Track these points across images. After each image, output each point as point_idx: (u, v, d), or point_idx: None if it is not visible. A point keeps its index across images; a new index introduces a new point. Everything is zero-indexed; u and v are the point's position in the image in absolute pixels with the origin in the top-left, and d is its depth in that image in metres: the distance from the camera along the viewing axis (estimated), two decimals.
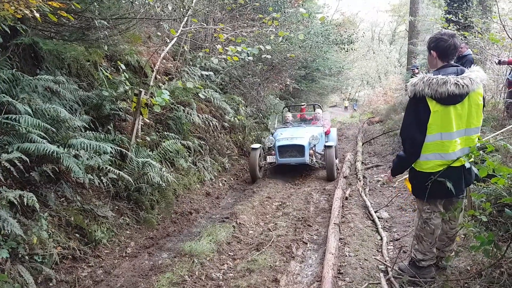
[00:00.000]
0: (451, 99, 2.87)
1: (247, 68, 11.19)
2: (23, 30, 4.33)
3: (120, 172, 4.88)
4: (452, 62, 3.09)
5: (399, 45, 40.55)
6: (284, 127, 9.21)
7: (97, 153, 4.67)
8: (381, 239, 4.56)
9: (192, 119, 7.50)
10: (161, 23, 8.15)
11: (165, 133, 6.81)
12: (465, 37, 8.30)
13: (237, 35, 7.58)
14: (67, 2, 4.39)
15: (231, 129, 9.92)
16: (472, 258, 3.49)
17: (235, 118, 9.47)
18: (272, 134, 8.94)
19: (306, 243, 4.65)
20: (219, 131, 9.14)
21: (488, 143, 3.12)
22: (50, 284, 3.63)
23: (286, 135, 8.29)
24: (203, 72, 8.25)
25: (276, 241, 4.64)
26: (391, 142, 10.68)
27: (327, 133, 9.30)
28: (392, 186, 6.93)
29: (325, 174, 8.03)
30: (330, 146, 7.79)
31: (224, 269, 4.06)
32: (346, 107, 40.91)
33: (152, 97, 5.79)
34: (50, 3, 3.88)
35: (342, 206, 5.82)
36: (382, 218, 5.36)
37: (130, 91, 5.96)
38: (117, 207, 5.12)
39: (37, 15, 3.68)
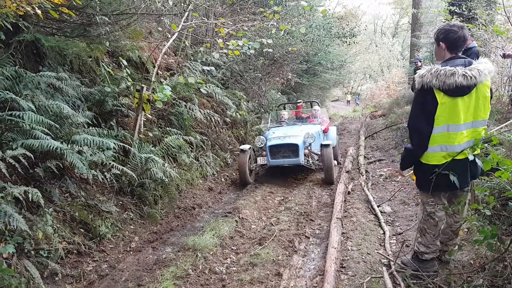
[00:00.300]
0: (459, 90, 2.86)
1: (248, 62, 11.17)
2: (25, 27, 4.34)
3: (123, 167, 4.90)
4: (460, 54, 3.08)
5: (401, 38, 40.36)
6: (277, 126, 8.56)
7: (101, 149, 4.70)
8: (384, 233, 4.57)
9: (194, 115, 7.51)
10: (162, 18, 8.15)
11: (167, 128, 6.82)
12: (469, 29, 8.24)
13: (238, 29, 7.55)
14: None
15: (233, 124, 9.92)
16: (475, 252, 3.50)
17: (237, 113, 9.48)
18: (264, 134, 8.37)
19: (309, 238, 4.67)
20: (221, 127, 9.15)
21: (493, 136, 3.12)
22: (56, 278, 3.67)
23: (279, 134, 7.61)
24: (205, 67, 8.25)
25: (278, 235, 4.66)
26: (394, 136, 10.67)
27: (325, 131, 8.69)
28: (394, 180, 6.93)
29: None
30: (327, 145, 7.04)
31: (227, 263, 4.09)
32: (348, 101, 40.77)
33: (154, 93, 5.79)
34: None
35: (345, 200, 5.84)
36: (384, 212, 5.37)
37: (132, 87, 5.97)
38: (121, 202, 5.15)
39: (39, 11, 3.69)
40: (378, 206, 5.50)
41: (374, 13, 42.29)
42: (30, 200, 3.52)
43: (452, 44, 3.02)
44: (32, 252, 3.54)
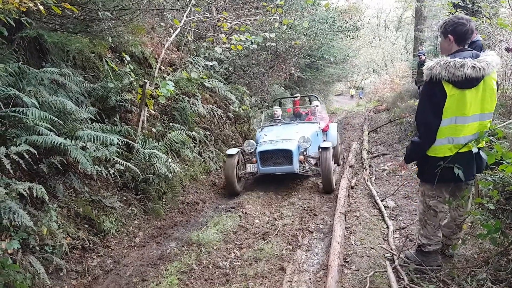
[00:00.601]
0: (468, 82, 2.85)
1: (251, 57, 11.14)
2: (28, 23, 4.34)
3: (127, 163, 4.91)
4: (467, 47, 3.06)
5: (405, 32, 40.08)
6: (271, 125, 7.73)
7: (104, 145, 4.71)
8: (387, 227, 4.57)
9: (197, 110, 7.50)
10: (165, 13, 8.13)
11: (171, 124, 6.83)
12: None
13: (241, 24, 7.51)
14: None
15: (236, 119, 9.92)
16: (479, 246, 3.49)
17: (240, 108, 9.47)
18: (255, 136, 7.69)
19: (312, 232, 4.67)
20: (224, 122, 9.15)
21: (498, 128, 3.10)
22: (61, 273, 3.70)
23: (271, 137, 6.77)
24: (207, 62, 8.22)
25: (282, 230, 4.67)
26: (398, 130, 10.63)
27: (325, 130, 7.98)
28: (398, 175, 6.92)
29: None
30: (326, 148, 6.25)
31: (231, 258, 4.10)
32: (352, 96, 40.64)
33: (157, 88, 5.80)
34: None
35: (348, 195, 5.83)
36: (388, 207, 5.37)
37: (135, 83, 5.97)
38: (125, 198, 5.18)
39: (41, 7, 3.68)
40: (381, 201, 5.49)
41: (377, 6, 42.00)
42: (35, 196, 3.53)
43: (460, 36, 3.00)
44: (37, 248, 3.56)
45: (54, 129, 4.09)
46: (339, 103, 31.83)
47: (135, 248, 4.48)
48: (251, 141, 6.92)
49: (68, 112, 4.46)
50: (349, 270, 3.60)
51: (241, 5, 10.11)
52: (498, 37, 8.59)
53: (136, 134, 5.56)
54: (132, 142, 5.31)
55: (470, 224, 3.89)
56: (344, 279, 3.42)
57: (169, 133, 6.37)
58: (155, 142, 5.96)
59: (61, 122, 4.26)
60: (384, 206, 5.29)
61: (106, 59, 6.09)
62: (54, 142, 3.83)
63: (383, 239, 4.32)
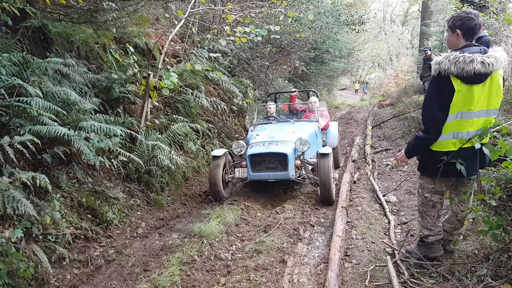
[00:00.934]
0: (476, 78, 2.84)
1: (255, 50, 11.10)
2: (32, 12, 4.33)
3: (130, 154, 4.93)
4: (474, 42, 3.05)
5: (411, 26, 39.79)
6: (265, 124, 6.84)
7: (108, 136, 4.73)
8: (389, 222, 4.58)
9: (201, 102, 7.50)
10: (169, 4, 8.11)
11: (174, 116, 6.84)
12: None
13: (245, 16, 7.48)
14: None
15: (240, 112, 9.91)
16: (480, 242, 3.50)
17: (244, 101, 9.45)
18: (246, 136, 6.84)
19: (314, 226, 4.68)
20: (227, 114, 9.15)
21: (502, 124, 3.09)
22: (64, 263, 3.73)
23: (263, 138, 5.93)
24: (211, 54, 8.20)
25: (283, 223, 4.68)
26: (402, 125, 10.60)
27: (324, 129, 7.24)
28: (400, 170, 6.92)
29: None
30: (325, 155, 5.41)
31: (232, 249, 4.12)
32: (356, 90, 40.49)
33: (160, 80, 5.80)
34: None
35: (350, 189, 5.84)
36: (390, 201, 5.37)
37: (138, 74, 5.98)
38: (128, 189, 5.20)
39: None
40: (383, 196, 5.50)
41: (383, 0, 41.57)
42: (38, 185, 3.56)
43: (468, 31, 2.99)
44: (40, 237, 3.59)
45: (57, 120, 4.11)
46: (343, 97, 31.75)
47: (138, 238, 4.51)
48: (241, 142, 6.01)
49: (72, 102, 4.47)
50: (349, 263, 3.62)
51: None
52: (505, 33, 8.52)
53: (140, 125, 5.57)
54: (136, 134, 5.33)
55: (471, 220, 3.89)
56: (344, 273, 3.43)
57: (173, 125, 6.38)
58: (158, 134, 5.98)
59: (64, 112, 4.27)
60: (386, 201, 5.30)
61: (110, 50, 6.09)
62: (57, 132, 3.84)
63: (384, 233, 4.33)
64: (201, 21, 8.96)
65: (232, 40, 7.21)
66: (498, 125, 3.08)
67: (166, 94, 5.99)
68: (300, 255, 3.89)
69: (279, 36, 8.08)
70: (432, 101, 3.02)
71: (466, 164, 2.98)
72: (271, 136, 5.91)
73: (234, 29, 6.59)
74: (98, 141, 4.51)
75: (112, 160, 4.80)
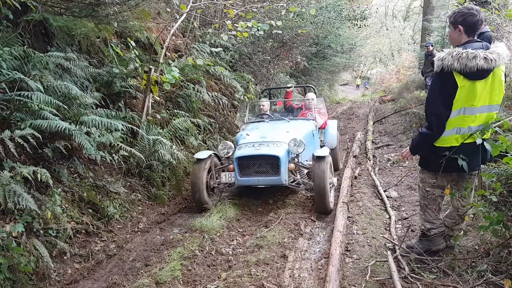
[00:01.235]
0: (479, 73, 2.84)
1: (257, 45, 11.07)
2: (33, 6, 4.32)
3: (131, 149, 4.94)
4: (476, 38, 3.04)
5: (413, 22, 39.53)
6: (257, 122, 6.28)
7: (109, 130, 4.73)
8: (390, 218, 4.58)
9: (202, 97, 7.49)
10: None
11: (175, 111, 6.83)
12: None
13: (247, 11, 7.44)
14: None
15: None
16: (481, 237, 3.50)
17: (245, 96, 9.44)
18: (236, 135, 6.20)
19: (315, 221, 4.69)
20: (228, 109, 9.13)
21: (504, 119, 3.09)
22: (65, 257, 3.74)
23: (254, 138, 5.35)
24: (213, 49, 8.18)
25: (284, 218, 4.68)
26: (403, 121, 10.58)
27: (322, 128, 6.67)
28: (402, 166, 6.91)
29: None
30: (321, 158, 4.84)
31: (233, 244, 4.13)
32: (357, 85, 40.39)
33: (162, 75, 5.79)
34: None
35: (351, 185, 5.84)
36: (391, 197, 5.37)
37: (140, 68, 5.96)
38: (129, 184, 5.21)
39: None
40: (384, 191, 5.50)
41: None
42: (39, 180, 3.56)
43: (470, 27, 2.99)
44: (41, 232, 3.60)
45: (59, 114, 4.10)
46: (344, 92, 31.70)
47: (139, 233, 4.52)
48: (228, 142, 5.43)
49: (73, 97, 4.47)
50: (350, 259, 3.62)
51: None
52: (506, 29, 8.48)
53: (141, 120, 5.57)
54: (137, 128, 5.33)
55: (472, 215, 3.89)
56: (345, 268, 3.44)
57: (174, 119, 6.38)
58: (160, 129, 5.98)
59: (65, 107, 4.26)
60: (387, 197, 5.30)
61: (112, 44, 6.08)
62: (58, 126, 3.84)
63: (385, 229, 4.34)
64: (203, 15, 8.93)
65: (233, 35, 7.20)
66: (500, 121, 3.07)
67: (168, 89, 5.98)
68: (301, 250, 3.90)
69: (280, 31, 8.05)
70: (435, 97, 3.02)
71: (468, 159, 2.99)
72: (262, 136, 5.32)
73: (236, 24, 6.57)
74: (99, 136, 4.51)
75: (113, 155, 4.80)
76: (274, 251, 3.86)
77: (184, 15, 6.65)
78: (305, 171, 5.22)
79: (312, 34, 12.33)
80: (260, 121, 6.26)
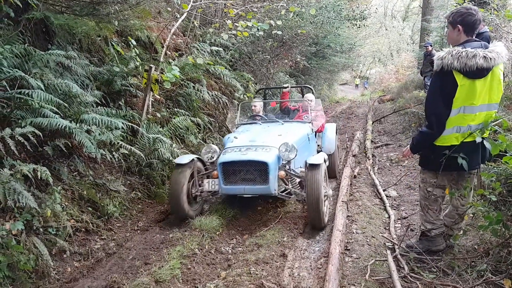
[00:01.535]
0: (479, 72, 2.86)
1: (257, 44, 11.07)
2: (35, 4, 4.31)
3: (131, 147, 4.94)
4: (474, 37, 3.06)
5: (412, 22, 39.60)
6: (249, 124, 5.92)
7: (109, 129, 4.72)
8: (389, 217, 4.59)
9: (202, 96, 7.49)
10: None
11: (175, 109, 6.83)
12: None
13: (247, 10, 7.44)
14: None
15: None
16: (480, 237, 3.51)
17: (245, 96, 9.44)
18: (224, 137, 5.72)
19: None
20: (228, 108, 9.12)
21: (503, 118, 3.10)
22: (64, 255, 3.74)
23: (242, 141, 4.87)
24: (213, 48, 8.17)
25: (284, 217, 4.69)
26: (402, 120, 10.60)
27: (319, 131, 6.25)
28: (401, 165, 6.93)
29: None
30: (315, 166, 4.34)
31: (233, 243, 4.14)
32: (357, 85, 40.40)
33: (162, 73, 5.79)
34: None
35: (351, 184, 5.85)
36: (390, 196, 5.39)
37: (140, 67, 5.96)
38: (128, 182, 5.21)
39: None
40: (384, 190, 5.51)
41: None
42: (39, 178, 3.56)
43: (469, 27, 3.01)
44: (41, 230, 3.60)
45: (59, 112, 4.10)
46: (344, 92, 31.70)
47: (138, 231, 4.52)
48: (213, 146, 4.96)
49: (74, 95, 4.47)
50: (350, 258, 3.63)
51: None
52: (505, 29, 8.50)
53: (141, 118, 5.57)
54: (137, 127, 5.33)
55: (471, 215, 3.90)
56: (345, 267, 3.45)
57: (174, 118, 6.38)
58: (160, 127, 5.98)
59: (66, 105, 4.26)
60: (386, 196, 5.32)
61: (112, 43, 6.08)
62: (59, 124, 3.84)
63: (385, 228, 4.35)
64: (203, 14, 8.93)
65: (233, 34, 7.20)
66: (498, 120, 3.09)
67: (168, 88, 5.98)
68: (301, 249, 3.91)
69: (280, 31, 8.05)
70: (435, 96, 3.03)
71: (468, 158, 3.00)
72: (251, 140, 4.84)
73: (236, 23, 6.57)
74: (99, 134, 4.51)
75: (113, 153, 4.80)
76: (274, 250, 3.86)
77: (185, 14, 6.65)
78: (297, 179, 4.72)
79: (312, 34, 12.32)
80: (252, 123, 5.88)
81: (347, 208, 4.79)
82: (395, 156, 7.55)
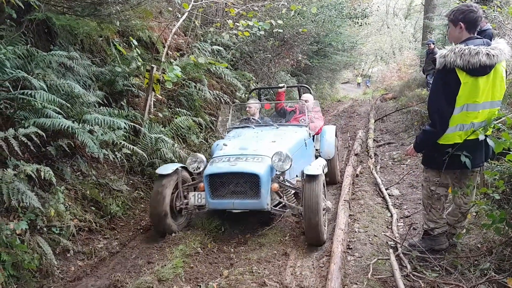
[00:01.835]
0: (482, 70, 2.86)
1: (258, 43, 11.05)
2: (36, 5, 4.33)
3: (134, 147, 4.95)
4: (476, 35, 3.06)
5: (414, 20, 39.47)
6: (241, 128, 5.42)
7: (111, 129, 4.74)
8: (391, 216, 4.59)
9: (204, 96, 7.49)
10: None
11: (177, 109, 6.84)
12: (484, 11, 8.06)
13: (248, 10, 7.44)
14: None
15: None
16: (483, 236, 3.51)
17: (246, 95, 9.43)
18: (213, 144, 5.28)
19: None
20: (225, 109, 9.12)
21: (507, 115, 3.09)
22: (68, 254, 3.76)
23: (231, 149, 4.43)
24: (214, 47, 8.17)
25: (286, 216, 4.69)
26: (404, 119, 10.59)
27: (317, 134, 5.88)
28: (403, 164, 6.92)
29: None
30: (312, 177, 3.87)
31: (235, 242, 4.14)
32: (359, 84, 40.35)
33: (164, 73, 5.80)
34: None
35: (353, 183, 5.85)
36: (392, 195, 5.38)
37: (142, 67, 5.97)
38: (131, 182, 5.23)
39: None
40: (386, 189, 5.51)
41: None
42: (42, 178, 3.58)
43: (470, 24, 3.01)
44: (45, 229, 3.62)
45: (62, 112, 4.12)
46: (345, 91, 31.67)
47: (141, 231, 4.54)
48: (199, 155, 4.43)
49: (76, 95, 4.49)
50: (352, 257, 3.64)
51: None
52: (508, 26, 8.47)
53: (143, 118, 5.59)
54: (139, 127, 5.35)
55: (474, 213, 3.90)
56: (347, 266, 3.45)
57: (176, 118, 6.39)
58: (162, 127, 5.99)
59: (69, 105, 4.28)
60: (389, 195, 5.31)
61: (114, 43, 6.09)
62: (62, 125, 3.86)
63: (387, 227, 4.35)
64: (204, 14, 8.93)
65: (235, 34, 7.20)
66: (502, 117, 3.08)
67: (170, 87, 5.99)
68: (303, 248, 3.91)
69: (281, 31, 8.04)
70: (438, 94, 3.03)
71: (471, 156, 3.00)
72: (242, 147, 4.39)
73: (237, 23, 6.57)
74: (102, 134, 4.52)
75: (116, 153, 4.82)
76: (276, 249, 3.87)
77: (186, 14, 6.66)
78: (292, 191, 4.28)
79: (313, 33, 12.30)
80: (245, 127, 5.39)
81: (349, 207, 4.79)
82: (398, 154, 7.54)
